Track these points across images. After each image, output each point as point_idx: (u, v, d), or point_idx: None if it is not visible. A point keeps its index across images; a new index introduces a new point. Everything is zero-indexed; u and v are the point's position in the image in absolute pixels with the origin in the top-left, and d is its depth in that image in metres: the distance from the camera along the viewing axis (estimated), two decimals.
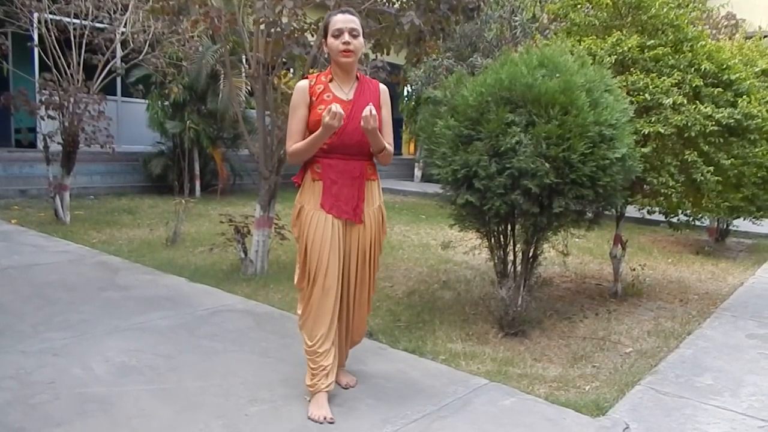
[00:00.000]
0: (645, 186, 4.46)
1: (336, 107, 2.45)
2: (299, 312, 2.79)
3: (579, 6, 5.05)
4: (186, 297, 4.28)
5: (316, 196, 2.67)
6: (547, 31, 9.39)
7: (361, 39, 2.64)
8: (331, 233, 2.65)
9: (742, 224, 7.29)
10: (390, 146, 2.72)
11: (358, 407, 2.72)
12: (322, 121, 2.48)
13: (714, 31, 9.88)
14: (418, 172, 15.17)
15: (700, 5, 5.11)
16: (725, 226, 7.94)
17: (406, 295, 4.70)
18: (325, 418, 2.57)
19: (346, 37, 2.58)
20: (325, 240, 2.64)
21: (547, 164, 3.29)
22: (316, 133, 2.55)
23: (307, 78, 2.76)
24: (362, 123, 2.51)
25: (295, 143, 2.65)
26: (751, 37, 6.63)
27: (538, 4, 11.24)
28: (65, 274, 4.74)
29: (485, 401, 2.83)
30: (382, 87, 2.79)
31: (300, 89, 2.69)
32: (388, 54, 5.27)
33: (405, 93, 14.44)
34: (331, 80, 2.69)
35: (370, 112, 2.48)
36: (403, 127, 16.33)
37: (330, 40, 2.63)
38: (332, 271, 2.65)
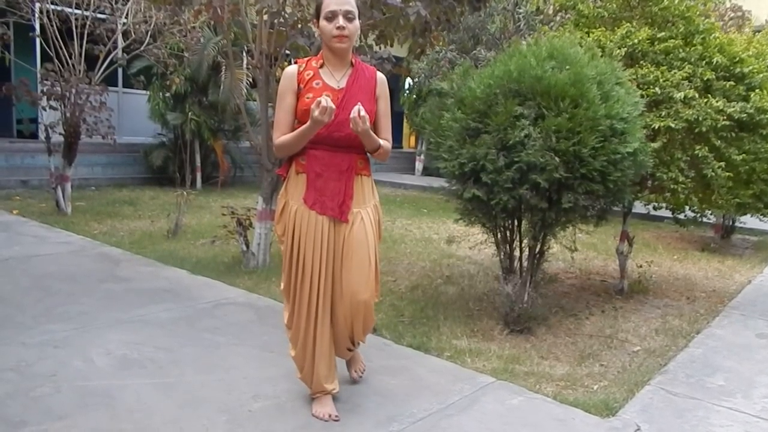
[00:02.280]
0: (654, 181, 4.39)
1: (326, 100, 2.20)
2: (285, 320, 2.59)
3: None
4: (187, 289, 4.23)
5: (299, 191, 2.45)
6: (552, 23, 9.32)
7: (356, 22, 2.40)
8: (315, 232, 2.41)
9: (747, 221, 7.22)
10: (387, 142, 2.50)
11: (362, 404, 2.67)
12: (310, 114, 2.23)
13: (721, 23, 9.77)
14: (419, 166, 15.08)
15: None
16: (731, 223, 7.88)
17: (410, 290, 4.65)
18: (329, 416, 2.50)
19: (341, 20, 2.33)
20: (307, 239, 2.42)
21: (556, 158, 3.23)
22: (303, 127, 2.32)
23: (296, 63, 2.51)
24: (351, 125, 2.26)
25: (282, 134, 2.42)
26: (759, 31, 6.55)
27: None
28: (66, 265, 4.69)
29: (492, 400, 2.78)
30: (380, 76, 2.54)
31: (288, 75, 2.44)
32: (392, 46, 5.20)
33: (406, 85, 14.34)
34: (322, 66, 2.45)
35: (359, 113, 2.24)
36: (404, 120, 16.25)
37: (322, 23, 2.38)
38: (318, 274, 2.43)
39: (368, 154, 2.52)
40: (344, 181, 2.43)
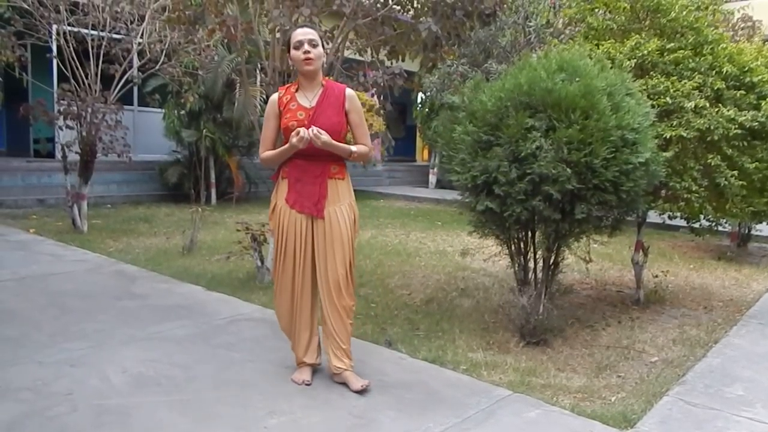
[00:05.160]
0: (667, 191, 4.37)
1: (304, 131, 2.72)
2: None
3: (596, 9, 4.99)
4: (202, 305, 4.26)
5: (283, 193, 2.97)
6: (562, 36, 9.34)
7: (320, 49, 2.90)
8: (295, 227, 2.93)
9: (763, 229, 7.13)
10: (364, 147, 2.97)
11: (378, 419, 2.67)
12: (289, 139, 2.77)
13: (731, 33, 9.71)
14: (432, 179, 15.09)
15: (719, 6, 5.00)
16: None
17: (424, 303, 4.64)
18: (303, 381, 2.97)
19: (306, 46, 2.84)
20: (289, 232, 2.94)
21: (568, 169, 3.23)
22: (284, 147, 2.87)
23: (279, 90, 3.05)
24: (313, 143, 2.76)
25: (267, 149, 3.00)
26: None
27: (551, 9, 11.19)
28: (82, 283, 4.74)
29: (509, 413, 2.77)
30: (349, 92, 2.97)
31: (271, 102, 3.00)
32: (403, 60, 5.24)
33: (419, 100, 14.41)
34: (297, 90, 2.95)
35: (312, 132, 2.73)
36: (417, 134, 16.29)
37: (293, 52, 2.89)
38: (293, 260, 2.95)
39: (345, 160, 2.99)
40: (318, 185, 2.91)
